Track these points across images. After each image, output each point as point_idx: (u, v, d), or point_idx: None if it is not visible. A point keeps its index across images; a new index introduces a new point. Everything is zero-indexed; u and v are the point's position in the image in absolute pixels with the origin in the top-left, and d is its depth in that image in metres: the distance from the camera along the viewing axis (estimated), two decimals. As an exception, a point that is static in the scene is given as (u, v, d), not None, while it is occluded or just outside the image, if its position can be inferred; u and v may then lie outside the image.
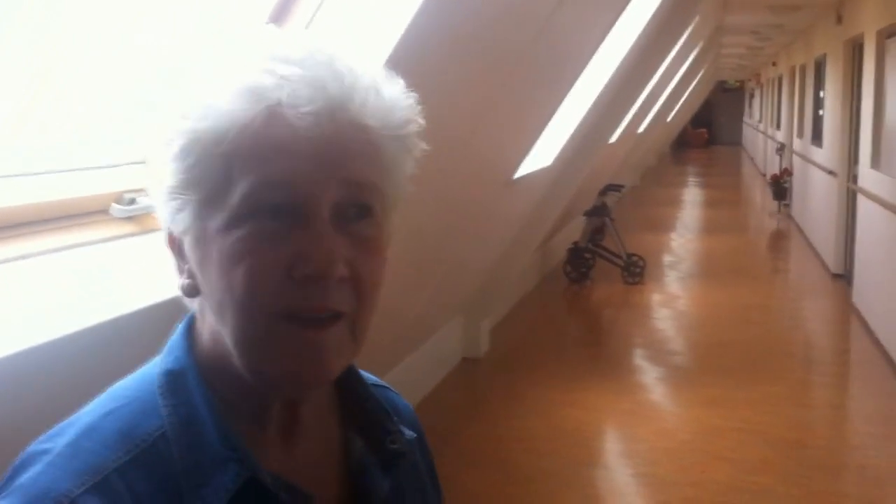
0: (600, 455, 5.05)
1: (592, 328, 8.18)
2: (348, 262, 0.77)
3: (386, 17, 2.42)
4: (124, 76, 2.00)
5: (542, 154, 5.78)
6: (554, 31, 3.96)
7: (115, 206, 1.95)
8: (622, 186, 10.74)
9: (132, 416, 0.79)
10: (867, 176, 7.41)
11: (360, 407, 0.92)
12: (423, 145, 0.85)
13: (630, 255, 9.23)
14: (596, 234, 9.45)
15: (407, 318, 4.35)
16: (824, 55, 10.67)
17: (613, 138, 9.09)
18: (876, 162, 7.06)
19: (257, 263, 0.75)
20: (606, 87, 6.45)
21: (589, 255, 9.36)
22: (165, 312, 1.89)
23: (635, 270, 9.19)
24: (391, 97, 0.81)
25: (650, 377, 6.36)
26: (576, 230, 9.75)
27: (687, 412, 5.50)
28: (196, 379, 0.81)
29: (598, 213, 9.50)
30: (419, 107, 0.84)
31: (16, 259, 1.65)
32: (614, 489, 4.58)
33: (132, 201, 1.97)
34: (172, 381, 0.81)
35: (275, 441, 0.84)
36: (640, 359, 6.89)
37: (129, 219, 1.98)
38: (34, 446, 0.78)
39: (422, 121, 0.84)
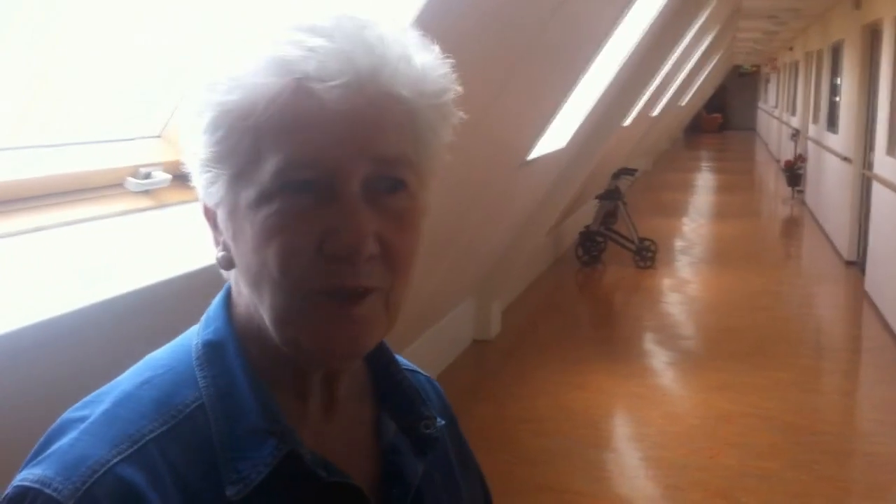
0: (609, 437, 5.05)
1: (603, 311, 8.17)
2: (380, 236, 0.76)
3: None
4: (128, 65, 2.00)
5: (557, 136, 5.76)
6: (570, 10, 3.94)
7: (130, 179, 1.95)
8: (635, 170, 10.71)
9: (169, 386, 0.78)
10: (883, 162, 7.36)
11: (393, 390, 0.91)
12: (461, 113, 0.83)
13: (642, 240, 9.20)
14: (608, 217, 9.43)
15: (419, 299, 4.35)
16: (841, 40, 10.58)
17: (627, 121, 9.05)
18: (892, 148, 7.01)
19: (289, 241, 0.74)
20: (621, 69, 6.42)
21: (601, 239, 9.35)
22: (180, 287, 1.90)
23: (647, 255, 9.17)
24: (424, 65, 0.79)
25: (660, 361, 6.36)
26: (588, 213, 9.73)
27: (696, 396, 5.50)
28: (235, 351, 0.81)
29: (610, 196, 9.48)
30: (454, 74, 0.81)
31: (31, 231, 1.66)
32: (623, 471, 4.59)
33: (147, 175, 1.98)
34: (211, 352, 0.81)
35: (311, 416, 0.83)
36: (650, 343, 6.89)
37: (145, 193, 1.98)
38: (70, 413, 0.77)
39: (459, 88, 0.82)
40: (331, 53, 0.73)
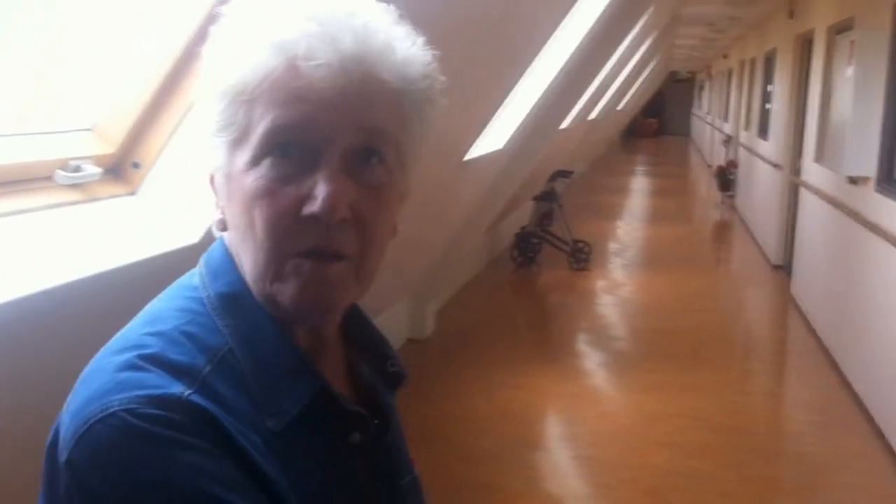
0: (543, 437, 5.10)
1: (538, 313, 8.24)
2: (354, 206, 0.83)
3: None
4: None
5: (495, 137, 5.78)
6: (512, 13, 3.96)
7: (59, 172, 1.91)
8: (571, 173, 10.81)
9: (200, 331, 0.84)
10: (811, 170, 7.55)
11: (361, 335, 1.01)
12: (444, 101, 0.91)
13: (576, 242, 9.30)
14: (544, 219, 9.50)
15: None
16: (775, 49, 10.83)
17: (565, 124, 9.13)
18: (820, 156, 7.19)
19: (272, 203, 0.82)
20: (561, 72, 6.47)
21: (536, 241, 9.42)
22: (107, 282, 1.87)
23: (581, 257, 9.27)
24: (405, 53, 0.86)
25: (594, 362, 6.44)
26: (524, 215, 9.79)
27: (628, 397, 5.58)
28: (253, 300, 0.87)
29: (547, 198, 9.56)
30: (436, 64, 0.89)
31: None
32: (556, 470, 4.63)
33: (77, 168, 1.94)
34: (230, 302, 0.87)
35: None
36: (583, 344, 6.96)
37: (74, 186, 1.94)
38: (117, 356, 0.80)
39: (442, 77, 0.90)
40: (319, 37, 0.81)
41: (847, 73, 6.08)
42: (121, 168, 2.13)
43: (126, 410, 0.74)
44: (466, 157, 5.12)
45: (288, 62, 0.81)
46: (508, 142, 6.19)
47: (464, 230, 6.52)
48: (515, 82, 5.24)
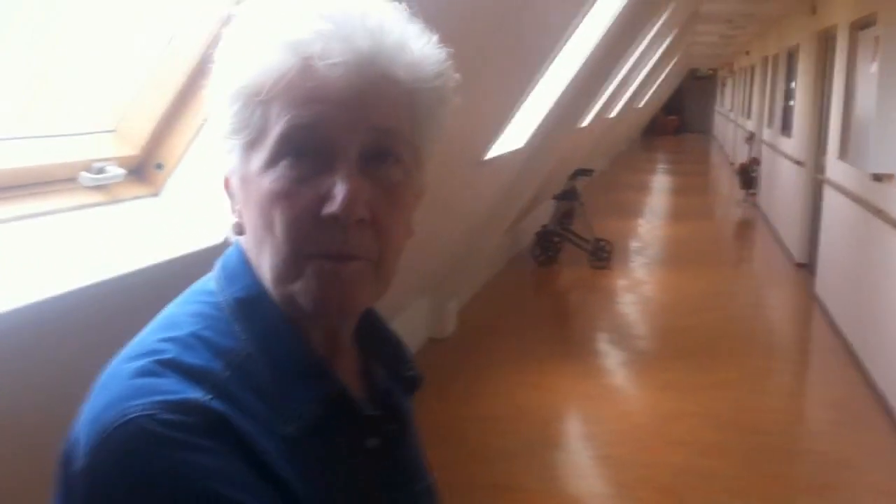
0: (561, 436, 5.10)
1: (558, 311, 8.23)
2: (371, 205, 0.83)
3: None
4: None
5: (514, 136, 5.78)
6: (530, 10, 3.96)
7: (84, 174, 1.93)
8: (592, 171, 10.78)
9: (218, 337, 0.84)
10: (834, 167, 7.50)
11: (376, 339, 1.01)
12: (458, 99, 0.91)
13: (598, 240, 9.28)
14: (565, 217, 9.49)
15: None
16: (797, 45, 10.75)
17: (585, 122, 9.11)
18: (843, 153, 7.14)
19: (290, 205, 0.82)
20: (580, 70, 6.46)
21: (557, 239, 9.41)
22: (131, 283, 1.89)
23: (602, 255, 9.25)
24: (419, 52, 0.86)
25: (613, 361, 6.43)
26: (545, 213, 9.78)
27: (647, 395, 5.57)
28: (271, 305, 0.87)
29: (567, 196, 9.54)
30: (450, 62, 0.89)
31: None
32: (573, 470, 4.63)
33: (101, 170, 1.96)
34: (248, 307, 0.87)
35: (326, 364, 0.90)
36: (603, 343, 6.95)
37: (98, 188, 1.96)
38: (135, 363, 0.80)
39: (456, 75, 0.90)
40: (334, 36, 0.81)
41: (871, 70, 6.03)
42: (144, 169, 2.15)
43: (146, 416, 0.74)
44: (486, 156, 5.13)
45: (303, 62, 0.81)
46: (528, 140, 6.18)
47: (484, 229, 6.52)
48: (534, 81, 5.24)
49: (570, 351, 6.52)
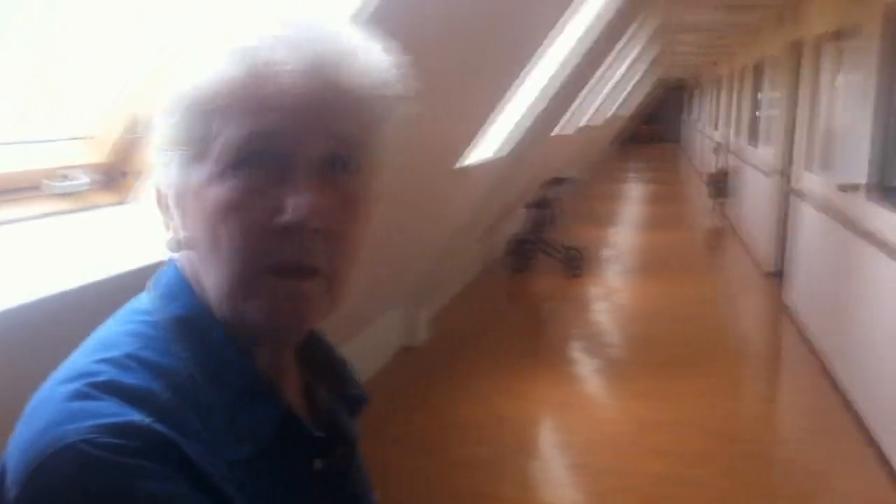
0: (537, 444, 5.09)
1: (532, 319, 8.23)
2: (326, 215, 0.79)
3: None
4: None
5: (488, 145, 5.78)
6: (506, 19, 3.96)
7: (47, 181, 1.89)
8: (565, 179, 10.82)
9: (157, 357, 0.79)
10: (803, 177, 7.57)
11: (319, 357, 0.98)
12: (414, 108, 0.89)
13: (570, 248, 9.30)
14: (538, 225, 9.51)
15: (344, 305, 4.31)
16: (765, 57, 10.87)
17: (556, 131, 9.14)
18: (811, 163, 7.21)
19: (239, 216, 0.78)
20: (552, 79, 6.48)
21: (530, 247, 9.43)
22: (99, 291, 1.85)
23: (574, 263, 9.27)
24: (370, 60, 0.83)
25: (587, 369, 6.43)
26: (518, 221, 9.80)
27: (622, 404, 5.58)
28: (213, 323, 0.83)
29: (540, 205, 9.57)
30: (401, 70, 0.87)
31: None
32: (550, 478, 4.62)
33: (66, 177, 1.92)
34: (187, 326, 0.83)
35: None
36: (578, 350, 6.95)
37: (64, 195, 1.92)
38: (68, 384, 0.75)
39: (409, 83, 0.88)
40: (283, 43, 0.79)
41: (838, 81, 6.10)
42: (111, 177, 2.12)
43: (84, 441, 0.69)
44: (459, 164, 5.12)
45: (250, 69, 0.78)
46: (501, 149, 6.19)
47: (457, 237, 6.51)
48: (507, 91, 5.24)
49: (544, 359, 6.51)
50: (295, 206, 0.77)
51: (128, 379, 0.76)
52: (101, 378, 0.75)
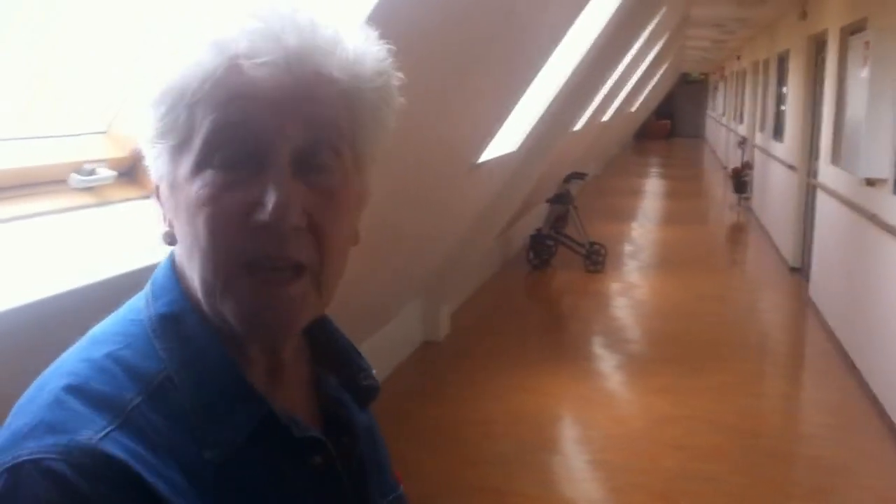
0: (556, 440, 5.09)
1: (552, 315, 8.22)
2: (308, 211, 0.78)
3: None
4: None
5: (507, 139, 5.78)
6: (522, 14, 3.96)
7: (73, 175, 1.91)
8: (585, 175, 10.79)
9: (134, 358, 0.79)
10: (826, 171, 7.51)
11: (329, 346, 0.95)
12: (402, 99, 0.86)
13: (591, 244, 9.28)
14: (558, 221, 9.49)
15: (366, 300, 4.33)
16: (787, 50, 10.78)
17: (578, 126, 9.12)
18: (835, 157, 7.15)
19: (217, 211, 0.77)
20: (572, 75, 6.47)
21: (551, 243, 9.41)
22: (121, 285, 1.87)
23: (596, 259, 9.25)
24: (357, 50, 0.81)
25: (607, 364, 6.42)
26: (539, 217, 9.78)
27: (641, 399, 5.56)
28: (197, 321, 0.82)
29: (561, 200, 9.55)
30: (393, 59, 0.84)
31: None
32: (568, 474, 4.62)
33: (91, 172, 1.94)
34: (170, 324, 0.82)
35: (259, 381, 0.85)
36: (597, 346, 6.94)
37: (88, 189, 1.95)
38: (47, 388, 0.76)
39: (399, 74, 0.85)
40: (261, 33, 0.77)
41: (861, 75, 6.04)
42: (134, 171, 2.14)
43: (32, 461, 0.70)
44: (478, 160, 5.12)
45: (229, 61, 0.76)
46: (521, 144, 6.18)
47: (477, 232, 6.52)
48: (527, 85, 5.24)
49: (564, 355, 6.51)
50: (272, 202, 0.75)
51: (99, 383, 0.76)
52: (76, 380, 0.76)
